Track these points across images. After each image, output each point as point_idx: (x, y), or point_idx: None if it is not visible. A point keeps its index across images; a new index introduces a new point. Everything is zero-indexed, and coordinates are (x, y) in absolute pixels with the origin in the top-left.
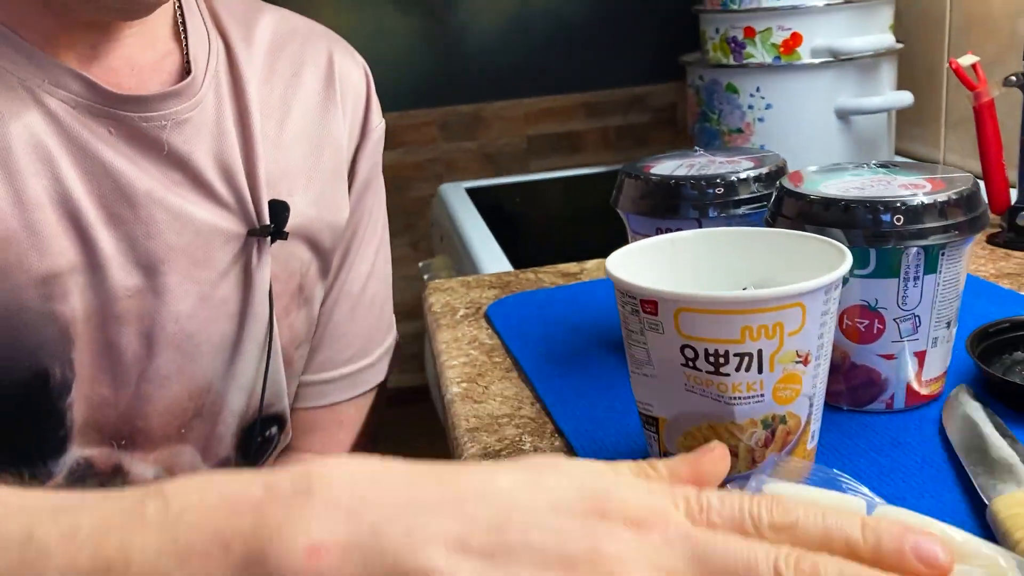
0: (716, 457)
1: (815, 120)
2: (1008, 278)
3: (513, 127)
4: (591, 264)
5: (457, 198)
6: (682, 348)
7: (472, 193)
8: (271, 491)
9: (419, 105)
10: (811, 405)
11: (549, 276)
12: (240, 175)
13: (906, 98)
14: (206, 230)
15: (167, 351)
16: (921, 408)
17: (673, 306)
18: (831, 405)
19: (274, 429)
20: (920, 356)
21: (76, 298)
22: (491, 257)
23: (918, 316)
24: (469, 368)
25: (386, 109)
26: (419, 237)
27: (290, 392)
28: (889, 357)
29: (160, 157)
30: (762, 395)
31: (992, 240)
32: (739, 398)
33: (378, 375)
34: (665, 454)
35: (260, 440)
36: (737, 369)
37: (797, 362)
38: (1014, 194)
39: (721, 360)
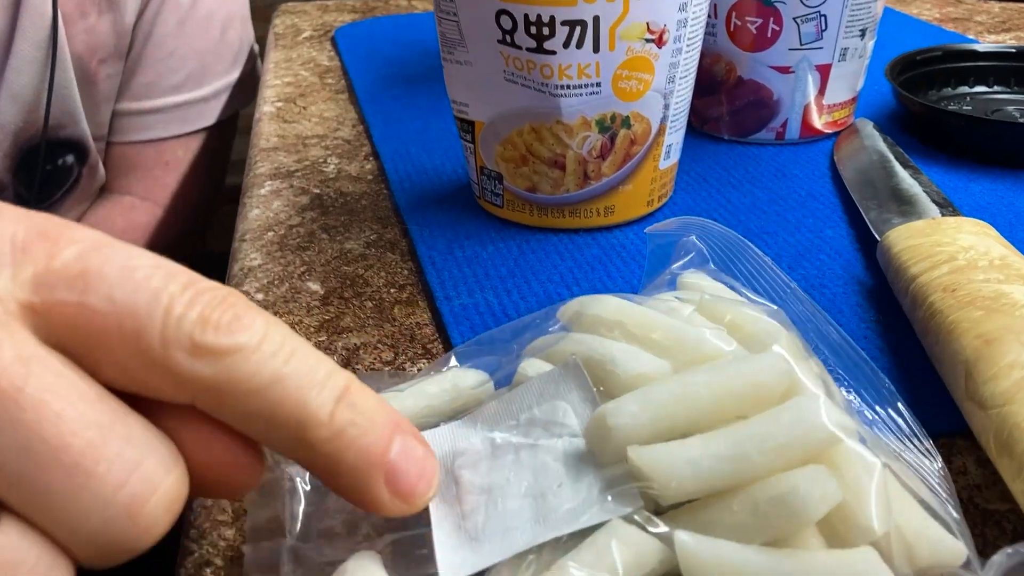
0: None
1: None
2: (954, 23)
3: None
4: None
5: None
6: (498, 15)
7: None
8: None
9: None
10: (666, 107)
11: (423, 3)
12: None
13: None
14: None
15: None
16: (819, 142)
17: None
18: (709, 134)
19: (70, 159)
20: (823, 71)
21: None
22: None
23: (824, 16)
24: (292, 89)
25: None
26: None
27: (99, 119)
28: (785, 71)
29: None
30: (598, 84)
31: None
32: (568, 87)
33: (211, 113)
34: (482, 170)
35: (50, 169)
36: (566, 45)
37: (648, 41)
38: None
39: (545, 31)
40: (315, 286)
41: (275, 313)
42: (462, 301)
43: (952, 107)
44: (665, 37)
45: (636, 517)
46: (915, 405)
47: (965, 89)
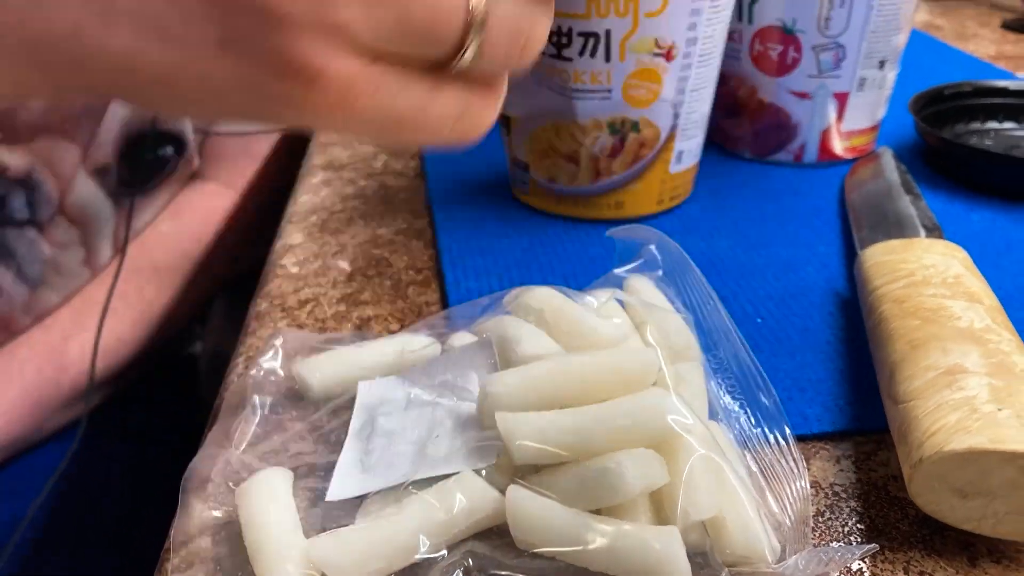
0: None
1: None
2: (1006, 60)
3: None
4: None
5: None
6: None
7: None
8: None
9: None
10: (676, 116)
11: None
12: None
13: None
14: None
15: None
16: (837, 166)
17: None
18: (733, 153)
19: (169, 150)
20: (841, 99)
21: None
22: None
23: (842, 47)
24: None
25: None
26: None
27: None
28: (803, 96)
29: None
30: (609, 90)
31: (1008, 25)
32: (582, 91)
33: None
34: (514, 161)
35: (151, 158)
36: (581, 53)
37: (656, 55)
38: None
39: (564, 40)
40: (344, 264)
41: (304, 285)
42: (468, 285)
43: (974, 141)
44: (674, 52)
45: (483, 472)
46: (855, 404)
47: (993, 125)
